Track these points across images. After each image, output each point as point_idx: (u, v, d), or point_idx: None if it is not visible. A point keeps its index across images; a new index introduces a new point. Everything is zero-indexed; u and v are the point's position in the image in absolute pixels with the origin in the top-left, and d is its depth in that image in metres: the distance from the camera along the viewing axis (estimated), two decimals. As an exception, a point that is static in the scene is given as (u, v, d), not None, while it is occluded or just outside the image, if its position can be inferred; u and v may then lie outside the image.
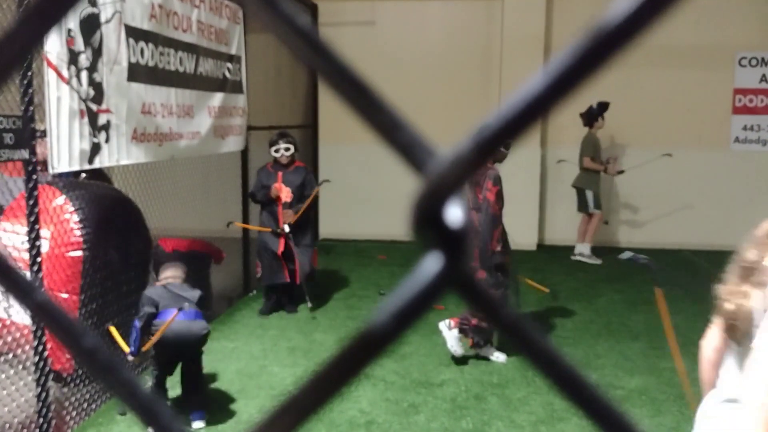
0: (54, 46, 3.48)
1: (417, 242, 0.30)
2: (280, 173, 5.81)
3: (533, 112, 0.27)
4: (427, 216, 0.29)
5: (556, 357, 0.32)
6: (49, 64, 3.48)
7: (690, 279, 7.17)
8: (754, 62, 8.55)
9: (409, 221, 0.30)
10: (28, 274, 3.41)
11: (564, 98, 0.27)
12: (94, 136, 3.89)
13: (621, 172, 8.26)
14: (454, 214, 0.29)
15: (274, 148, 5.84)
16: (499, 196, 4.70)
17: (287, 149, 5.84)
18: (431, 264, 0.29)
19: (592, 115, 7.82)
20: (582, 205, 8.05)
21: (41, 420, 3.42)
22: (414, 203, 0.30)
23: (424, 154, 0.30)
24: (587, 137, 7.94)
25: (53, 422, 3.49)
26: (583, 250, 8.01)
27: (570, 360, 0.32)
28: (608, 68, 0.27)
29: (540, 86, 0.27)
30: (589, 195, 7.98)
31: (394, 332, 0.30)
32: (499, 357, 4.80)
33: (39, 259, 3.44)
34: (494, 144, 0.28)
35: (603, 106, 7.75)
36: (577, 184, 8.10)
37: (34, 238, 3.41)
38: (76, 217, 4.02)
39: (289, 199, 5.73)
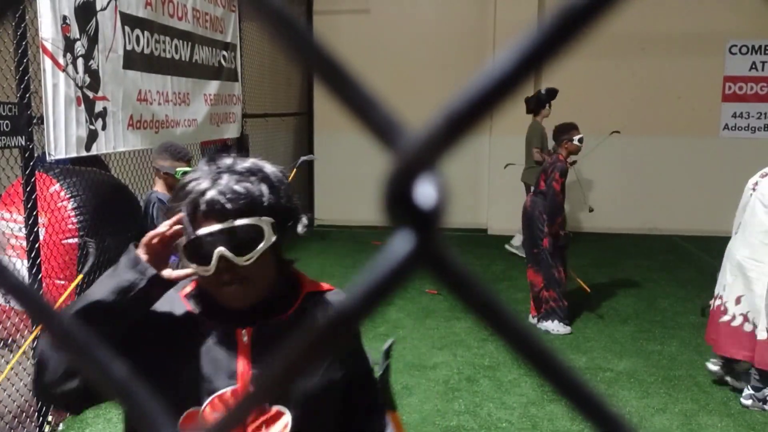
0: (49, 33, 3.50)
1: (388, 222, 0.28)
2: None
3: (504, 87, 0.26)
4: (397, 194, 0.28)
5: (530, 337, 0.30)
6: (45, 51, 3.50)
7: (678, 264, 7.27)
8: (744, 50, 8.59)
9: (380, 200, 0.28)
10: (25, 262, 3.46)
11: (533, 73, 0.26)
12: (91, 123, 3.91)
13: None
14: (427, 191, 0.28)
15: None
16: (563, 188, 5.04)
17: None
18: (401, 243, 0.28)
19: (540, 102, 6.81)
20: None
21: (40, 404, 3.47)
22: (385, 181, 0.28)
23: (396, 132, 0.29)
24: (534, 126, 7.04)
25: (52, 407, 3.53)
26: (513, 241, 7.45)
27: (544, 340, 0.31)
28: (577, 44, 0.26)
29: (509, 61, 0.26)
30: None
31: (362, 314, 0.29)
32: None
33: (37, 246, 3.48)
34: (465, 118, 0.27)
35: (551, 93, 6.79)
36: (525, 179, 7.18)
37: (32, 224, 3.44)
38: (71, 204, 4.05)
39: None
